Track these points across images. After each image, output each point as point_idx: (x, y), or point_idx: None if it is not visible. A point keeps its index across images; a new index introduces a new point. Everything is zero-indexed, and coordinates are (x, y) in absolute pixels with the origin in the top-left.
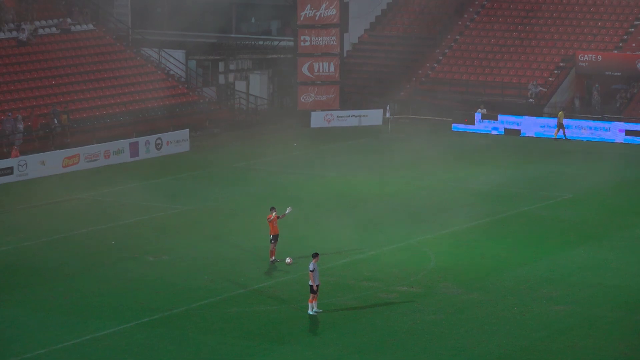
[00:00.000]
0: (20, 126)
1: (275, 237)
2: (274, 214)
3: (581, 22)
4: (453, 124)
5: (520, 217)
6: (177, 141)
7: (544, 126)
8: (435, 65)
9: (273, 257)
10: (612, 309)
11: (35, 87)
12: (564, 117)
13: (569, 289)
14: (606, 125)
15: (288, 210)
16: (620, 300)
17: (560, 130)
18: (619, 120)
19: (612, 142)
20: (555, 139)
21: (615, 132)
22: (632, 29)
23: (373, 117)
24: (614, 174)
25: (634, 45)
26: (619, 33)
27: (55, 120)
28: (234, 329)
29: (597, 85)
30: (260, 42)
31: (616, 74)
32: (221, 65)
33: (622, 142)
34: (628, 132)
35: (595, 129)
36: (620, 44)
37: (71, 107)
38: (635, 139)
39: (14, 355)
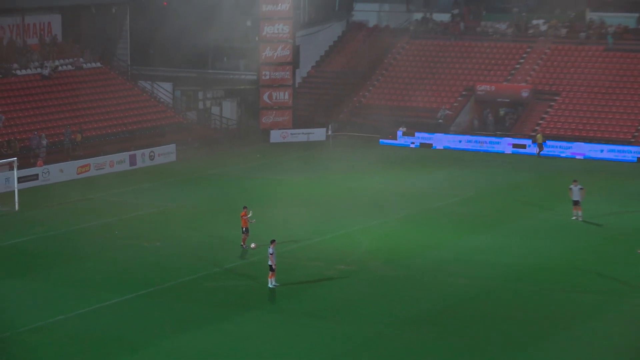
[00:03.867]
0: (44, 142)
1: (247, 229)
2: (246, 213)
3: (479, 60)
4: (380, 140)
5: (435, 211)
6: (166, 153)
7: (452, 141)
8: (367, 93)
9: (244, 244)
10: (505, 281)
11: (56, 112)
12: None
13: (473, 267)
14: (498, 139)
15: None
16: (511, 274)
17: (538, 148)
18: (508, 136)
19: (503, 153)
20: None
21: (505, 145)
22: (518, 66)
23: (318, 134)
24: (504, 178)
25: (519, 78)
26: (507, 68)
27: (65, 138)
28: (210, 299)
29: (489, 109)
30: (231, 76)
31: (506, 100)
32: (200, 94)
33: (511, 153)
34: (515, 145)
35: (490, 142)
36: (509, 77)
37: (84, 127)
38: (520, 150)
39: (40, 320)
